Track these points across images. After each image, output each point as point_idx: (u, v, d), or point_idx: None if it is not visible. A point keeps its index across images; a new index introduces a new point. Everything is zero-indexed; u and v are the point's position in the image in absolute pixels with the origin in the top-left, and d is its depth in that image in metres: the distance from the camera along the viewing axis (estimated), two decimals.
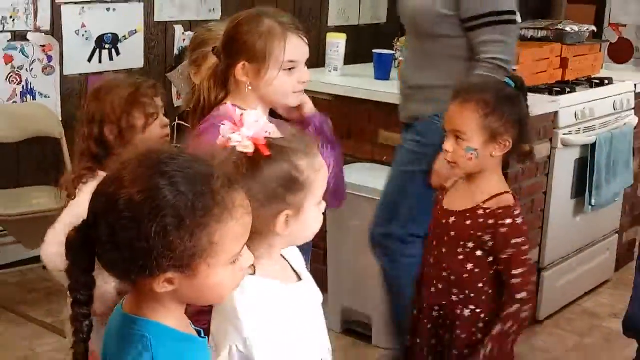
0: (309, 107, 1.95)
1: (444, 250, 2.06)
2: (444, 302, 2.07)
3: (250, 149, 1.28)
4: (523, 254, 1.98)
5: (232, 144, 1.28)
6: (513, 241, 1.96)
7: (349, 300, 3.22)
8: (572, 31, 3.72)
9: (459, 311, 2.04)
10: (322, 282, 2.27)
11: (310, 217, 1.37)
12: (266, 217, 1.29)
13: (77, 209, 1.49)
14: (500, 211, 1.97)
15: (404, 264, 2.60)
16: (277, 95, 1.83)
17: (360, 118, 3.40)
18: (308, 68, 1.89)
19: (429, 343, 2.11)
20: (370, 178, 3.08)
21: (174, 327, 1.10)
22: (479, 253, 2.01)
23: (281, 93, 1.83)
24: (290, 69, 1.80)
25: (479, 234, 1.99)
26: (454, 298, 2.05)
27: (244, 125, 1.28)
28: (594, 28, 3.95)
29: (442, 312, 2.08)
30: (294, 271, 1.46)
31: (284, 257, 1.45)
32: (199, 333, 1.18)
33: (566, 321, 3.57)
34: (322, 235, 2.47)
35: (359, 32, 5.03)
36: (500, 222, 1.95)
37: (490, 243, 1.98)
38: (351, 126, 3.39)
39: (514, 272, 1.97)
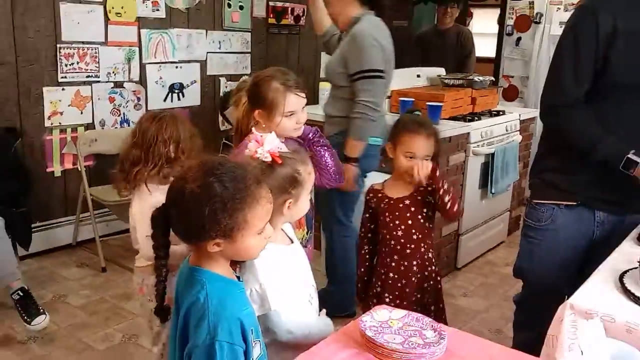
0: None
1: (397, 222, 1.89)
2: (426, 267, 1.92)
3: (269, 159, 1.39)
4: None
5: (257, 156, 1.39)
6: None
7: None
8: (479, 80, 3.78)
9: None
10: None
11: (303, 204, 1.46)
12: (278, 203, 1.37)
13: (152, 200, 1.58)
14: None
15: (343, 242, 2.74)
16: (283, 131, 1.79)
17: None
18: (307, 104, 1.87)
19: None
20: None
21: (221, 274, 1.16)
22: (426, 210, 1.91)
23: (285, 130, 1.81)
24: (290, 115, 1.80)
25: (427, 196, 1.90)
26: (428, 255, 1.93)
27: (265, 144, 1.40)
28: (492, 78, 4.02)
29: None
30: (288, 237, 1.53)
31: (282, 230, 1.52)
32: (237, 278, 1.25)
33: (476, 268, 3.64)
34: None
35: None
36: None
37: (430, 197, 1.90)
38: None
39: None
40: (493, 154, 3.53)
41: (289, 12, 4.67)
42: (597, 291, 1.31)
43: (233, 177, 1.10)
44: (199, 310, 1.10)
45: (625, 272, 1.36)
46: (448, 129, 3.21)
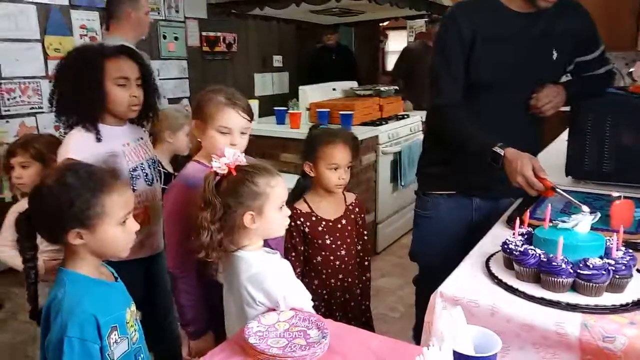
0: None
1: (339, 242, 1.63)
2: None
3: (224, 171, 1.21)
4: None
5: (214, 169, 1.21)
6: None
7: None
8: (385, 90, 3.71)
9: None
10: None
11: (272, 218, 1.22)
12: (239, 215, 1.19)
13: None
14: (357, 202, 1.71)
15: None
16: (213, 149, 1.34)
17: (270, 146, 3.27)
18: None
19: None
20: None
21: (87, 274, 1.02)
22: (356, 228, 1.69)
23: (215, 148, 1.33)
24: (224, 132, 1.38)
25: (357, 219, 1.69)
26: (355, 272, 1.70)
27: (224, 156, 1.22)
28: (397, 87, 3.93)
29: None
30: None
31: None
32: (116, 279, 1.09)
33: (392, 251, 3.53)
34: None
35: (273, 98, 4.92)
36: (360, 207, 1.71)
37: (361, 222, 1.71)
38: (266, 151, 3.26)
39: (366, 232, 1.74)
40: (400, 152, 3.44)
41: (221, 40, 4.45)
42: (465, 277, 1.17)
43: (88, 170, 0.99)
44: (55, 308, 0.97)
45: (492, 255, 1.23)
46: (360, 133, 3.06)
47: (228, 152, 1.22)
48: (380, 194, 3.39)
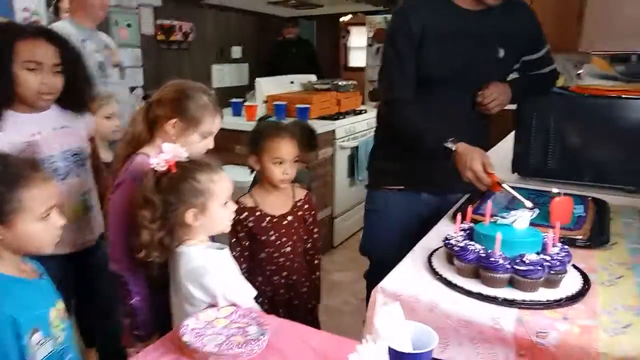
0: None
1: (284, 239, 1.59)
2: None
3: (164, 167, 1.15)
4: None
5: (153, 165, 1.15)
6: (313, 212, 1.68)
7: None
8: (343, 85, 3.70)
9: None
10: None
11: (216, 214, 1.19)
12: (182, 212, 1.15)
13: None
14: (307, 198, 1.66)
15: None
16: (189, 151, 1.26)
17: (225, 139, 3.17)
18: None
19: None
20: (232, 174, 2.86)
21: (4, 272, 0.95)
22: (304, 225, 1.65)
23: (192, 150, 1.28)
24: (205, 137, 1.38)
25: (305, 216, 1.65)
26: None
27: (162, 153, 1.16)
28: (356, 82, 3.93)
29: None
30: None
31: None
32: (40, 275, 1.03)
33: (348, 245, 3.52)
34: None
35: (231, 89, 4.82)
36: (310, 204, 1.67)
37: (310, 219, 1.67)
38: (221, 144, 3.16)
39: (316, 230, 1.70)
40: (357, 147, 3.43)
41: (177, 29, 4.31)
42: (407, 272, 1.17)
43: (3, 162, 0.93)
44: None
45: (435, 250, 1.23)
46: (317, 127, 3.04)
47: (167, 148, 1.17)
48: (337, 189, 3.39)
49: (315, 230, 1.68)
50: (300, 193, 1.65)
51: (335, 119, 3.35)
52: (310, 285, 1.66)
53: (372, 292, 1.12)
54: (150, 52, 4.10)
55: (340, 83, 3.68)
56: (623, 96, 1.59)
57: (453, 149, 1.44)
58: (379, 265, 1.79)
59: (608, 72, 1.78)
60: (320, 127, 3.10)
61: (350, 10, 4.05)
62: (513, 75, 1.68)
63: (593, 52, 1.99)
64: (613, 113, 1.58)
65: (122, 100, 2.68)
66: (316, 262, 1.70)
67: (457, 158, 1.41)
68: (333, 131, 3.28)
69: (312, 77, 3.96)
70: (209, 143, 1.40)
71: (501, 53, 1.57)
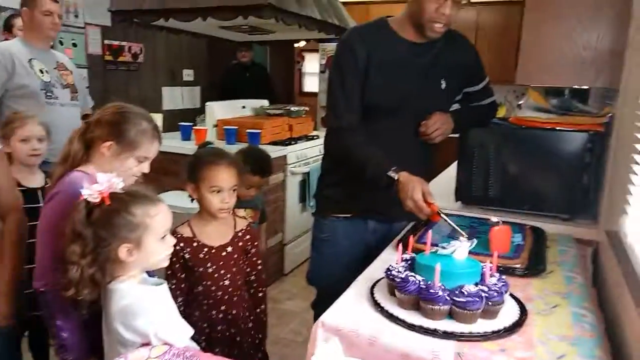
0: None
1: (222, 272, 1.51)
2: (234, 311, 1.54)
3: (97, 199, 1.09)
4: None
5: (85, 196, 1.09)
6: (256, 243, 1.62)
7: None
8: (295, 110, 3.71)
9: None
10: None
11: (152, 249, 1.13)
12: (115, 248, 1.08)
13: None
14: (249, 228, 1.60)
15: None
16: (124, 174, 1.27)
17: (173, 163, 3.08)
18: None
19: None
20: (179, 200, 2.76)
21: None
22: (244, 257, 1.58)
23: (126, 173, 1.30)
24: (142, 161, 1.34)
25: (247, 247, 1.58)
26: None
27: (97, 183, 1.09)
28: (307, 108, 3.95)
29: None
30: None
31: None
32: None
33: (300, 272, 3.45)
34: None
35: (182, 112, 4.74)
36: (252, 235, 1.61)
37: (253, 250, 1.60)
38: (167, 168, 3.08)
39: (259, 262, 1.63)
40: (309, 173, 3.42)
41: (126, 49, 4.22)
42: (348, 305, 1.14)
43: None
44: None
45: (378, 281, 1.22)
46: (268, 152, 3.04)
47: (101, 178, 1.10)
48: (289, 215, 3.35)
49: (259, 262, 1.62)
50: (242, 223, 1.59)
51: (287, 144, 3.34)
52: (255, 319, 1.60)
53: (314, 327, 1.09)
54: (97, 72, 3.98)
55: (292, 108, 3.68)
56: (557, 128, 1.67)
57: (395, 178, 1.45)
58: (326, 295, 1.75)
59: (543, 104, 1.87)
60: (271, 152, 3.05)
61: (303, 37, 4.09)
62: (455, 106, 1.72)
63: (529, 85, 2.09)
64: (548, 144, 1.65)
65: (71, 121, 2.56)
66: (260, 294, 1.64)
67: (399, 187, 1.41)
68: (285, 156, 3.26)
69: (264, 102, 3.95)
70: (145, 167, 1.36)
71: (443, 84, 1.61)
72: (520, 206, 1.75)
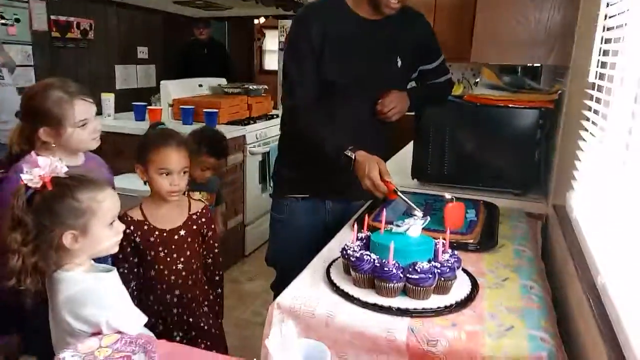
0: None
1: (175, 255, 1.48)
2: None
3: (38, 184, 1.03)
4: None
5: (25, 182, 1.02)
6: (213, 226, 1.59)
7: None
8: (254, 89, 3.64)
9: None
10: None
11: (100, 235, 1.08)
12: (57, 235, 1.03)
13: None
14: (205, 211, 1.57)
15: None
16: (79, 144, 1.39)
17: (126, 144, 2.99)
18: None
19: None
20: (132, 182, 2.68)
21: None
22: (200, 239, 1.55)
23: (82, 142, 1.39)
24: (83, 125, 1.37)
25: (203, 230, 1.54)
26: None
27: (39, 167, 1.03)
28: (267, 87, 3.88)
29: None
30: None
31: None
32: None
33: (260, 253, 3.36)
34: None
35: (137, 91, 4.56)
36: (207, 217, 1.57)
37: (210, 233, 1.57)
38: (120, 150, 2.97)
39: (217, 245, 1.61)
40: (268, 153, 3.38)
41: (75, 25, 3.99)
42: (304, 286, 1.14)
43: None
44: None
45: (334, 261, 1.22)
46: (226, 132, 2.95)
47: (43, 162, 1.04)
48: (249, 195, 3.31)
49: (216, 245, 1.59)
50: (197, 206, 1.55)
51: (246, 124, 3.28)
52: (211, 303, 1.57)
53: (269, 308, 1.08)
54: (43, 49, 3.76)
55: (251, 87, 3.61)
56: (510, 105, 1.69)
57: (352, 157, 1.44)
58: (285, 276, 1.74)
59: (496, 82, 1.89)
60: (229, 132, 3.01)
61: (261, 14, 3.99)
62: (411, 84, 1.72)
63: (484, 63, 2.11)
64: (501, 121, 1.68)
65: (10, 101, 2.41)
66: (217, 278, 1.61)
67: (357, 166, 1.41)
68: (243, 136, 3.20)
69: (222, 81, 3.85)
70: (91, 127, 1.40)
71: (399, 62, 1.60)
72: (475, 183, 1.78)
